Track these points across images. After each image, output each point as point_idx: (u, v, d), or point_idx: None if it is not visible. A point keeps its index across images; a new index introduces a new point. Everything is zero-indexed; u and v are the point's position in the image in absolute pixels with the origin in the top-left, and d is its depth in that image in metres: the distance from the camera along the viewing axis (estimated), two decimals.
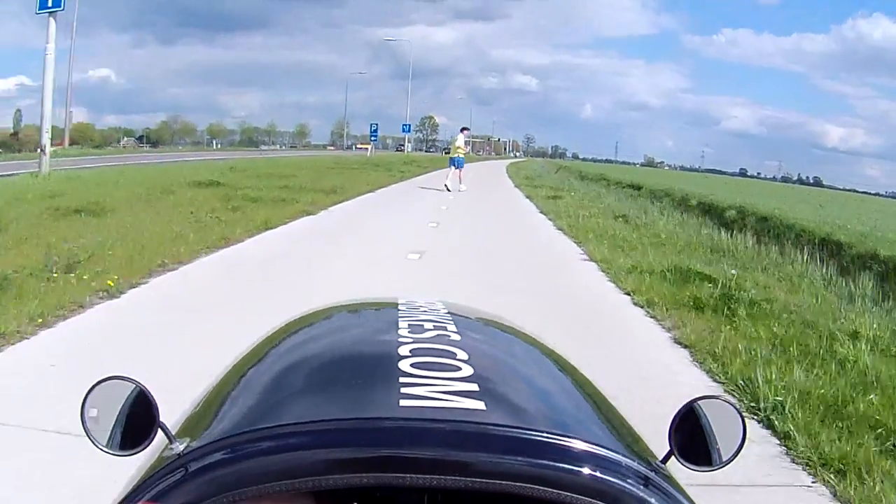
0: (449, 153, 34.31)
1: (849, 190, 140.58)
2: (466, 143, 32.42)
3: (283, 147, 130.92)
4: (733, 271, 11.02)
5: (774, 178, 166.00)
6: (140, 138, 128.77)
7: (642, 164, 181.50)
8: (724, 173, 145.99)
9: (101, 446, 1.29)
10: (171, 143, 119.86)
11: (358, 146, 75.61)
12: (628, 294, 9.77)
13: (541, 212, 21.65)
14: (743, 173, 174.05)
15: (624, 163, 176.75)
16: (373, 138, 71.44)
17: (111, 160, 38.98)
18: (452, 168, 29.30)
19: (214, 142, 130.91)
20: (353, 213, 18.51)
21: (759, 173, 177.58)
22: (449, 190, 27.23)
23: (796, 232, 16.79)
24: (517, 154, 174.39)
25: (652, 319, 8.61)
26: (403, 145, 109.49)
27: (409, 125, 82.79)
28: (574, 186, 35.13)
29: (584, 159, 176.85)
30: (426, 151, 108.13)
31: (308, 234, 14.40)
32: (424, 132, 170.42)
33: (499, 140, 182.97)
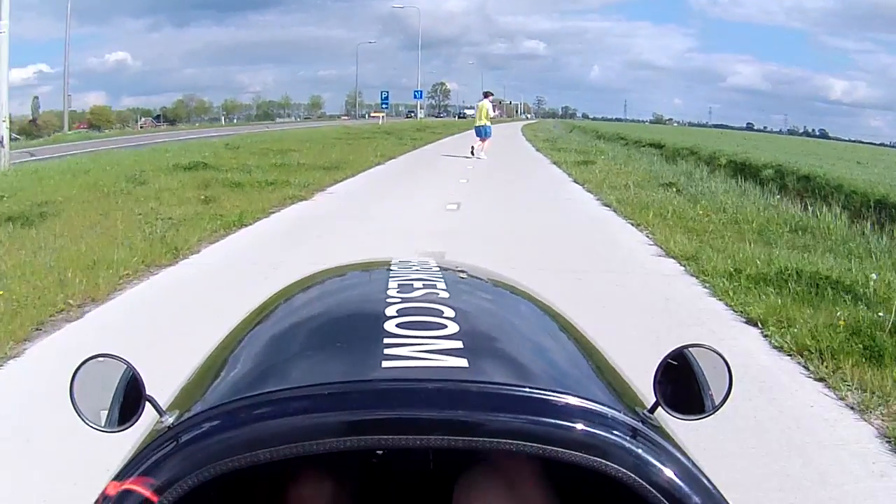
0: (463, 117, 30.71)
1: (854, 141, 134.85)
2: (494, 108, 28.81)
3: (298, 119, 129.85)
4: (874, 275, 7.31)
5: (781, 132, 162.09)
6: (157, 118, 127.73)
7: (651, 122, 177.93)
8: (731, 128, 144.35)
9: (92, 424, 1.23)
10: (187, 121, 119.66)
11: (371, 115, 71.91)
12: (779, 348, 5.64)
13: (576, 181, 18.00)
14: (750, 127, 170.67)
15: (633, 121, 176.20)
16: (384, 106, 67.79)
17: (111, 143, 35.28)
18: (479, 139, 25.73)
19: (232, 117, 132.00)
20: (354, 195, 14.84)
21: (765, 127, 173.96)
22: (473, 154, 24.57)
23: (846, 193, 14.46)
24: (528, 116, 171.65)
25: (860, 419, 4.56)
26: (414, 112, 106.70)
27: (421, 91, 78.74)
28: (601, 148, 31.23)
29: (594, 118, 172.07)
30: (437, 117, 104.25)
31: (290, 230, 10.86)
32: (437, 98, 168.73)
33: (510, 103, 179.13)
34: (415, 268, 1.89)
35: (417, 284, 1.69)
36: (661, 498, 1.12)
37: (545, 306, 1.86)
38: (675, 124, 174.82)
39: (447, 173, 19.40)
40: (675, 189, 15.93)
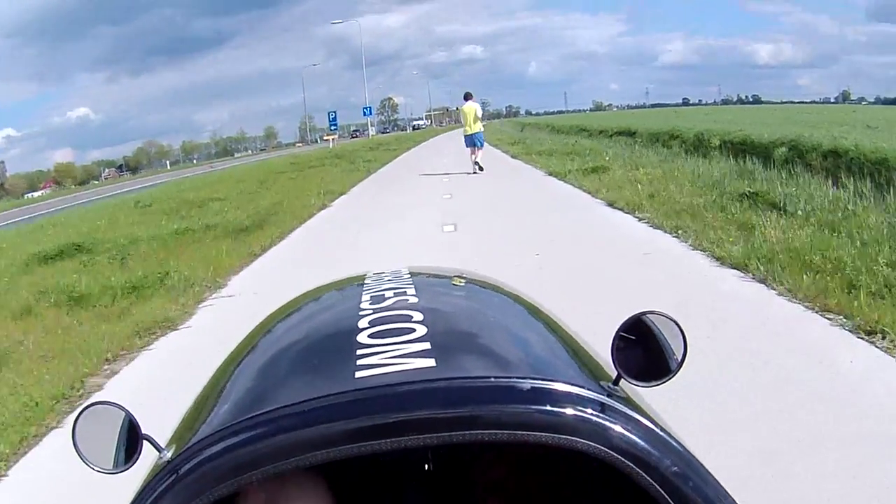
0: (417, 129, 24.37)
1: (786, 102, 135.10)
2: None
3: (254, 152, 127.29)
4: None
5: (716, 102, 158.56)
6: (120, 167, 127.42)
7: (591, 110, 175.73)
8: (667, 105, 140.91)
9: (92, 466, 1.20)
10: (149, 167, 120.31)
11: (324, 138, 64.82)
12: None
13: (612, 205, 11.29)
14: (686, 102, 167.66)
15: (575, 111, 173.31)
16: (333, 127, 60.02)
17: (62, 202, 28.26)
18: (472, 149, 20.17)
19: (191, 158, 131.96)
20: (264, 298, 6.17)
21: (700, 100, 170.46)
22: (482, 169, 19.36)
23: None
24: None
25: None
26: (359, 130, 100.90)
27: (371, 108, 70.93)
28: (584, 146, 24.71)
29: (536, 114, 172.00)
30: (384, 132, 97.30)
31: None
32: (386, 113, 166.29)
33: (457, 109, 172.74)
34: (387, 278, 1.81)
35: (388, 294, 1.64)
36: (634, 466, 1.09)
37: (511, 294, 1.82)
38: (615, 108, 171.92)
39: (419, 212, 12.77)
40: (765, 202, 9.57)
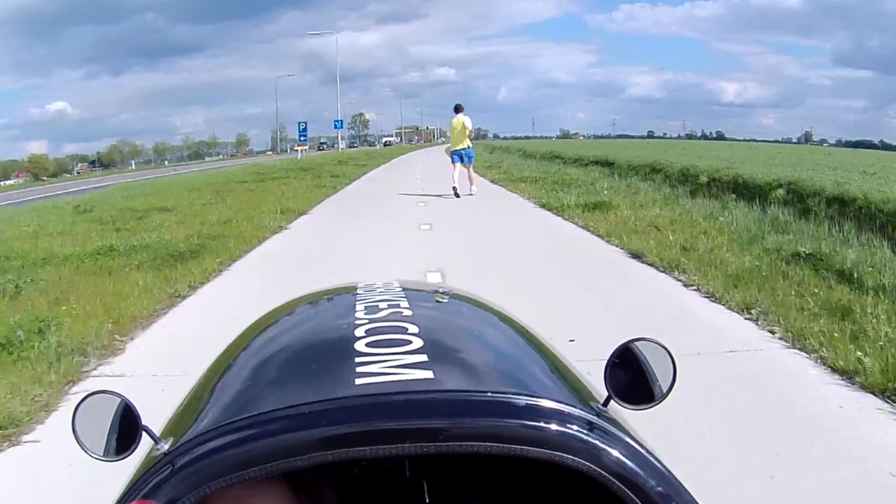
0: (388, 145, 22.21)
1: (749, 140, 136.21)
2: (413, 136, 20.52)
3: (225, 157, 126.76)
4: None
5: (679, 137, 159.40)
6: (93, 163, 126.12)
7: (558, 137, 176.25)
8: (633, 137, 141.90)
9: (93, 454, 1.20)
10: (121, 165, 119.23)
11: (294, 148, 62.10)
12: None
13: (640, 257, 8.83)
14: (651, 135, 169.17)
15: (541, 137, 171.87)
16: (302, 138, 57.28)
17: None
18: (458, 165, 18.26)
19: (163, 159, 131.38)
20: (154, 399, 3.52)
21: (664, 133, 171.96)
22: (458, 196, 17.27)
23: None
24: (444, 140, 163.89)
25: None
26: (327, 143, 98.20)
27: (342, 121, 68.52)
28: (570, 175, 22.48)
29: (504, 137, 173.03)
30: (352, 146, 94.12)
31: None
32: (356, 129, 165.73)
33: (427, 128, 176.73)
34: (379, 290, 1.82)
35: (382, 305, 1.64)
36: (619, 484, 1.10)
37: (501, 314, 1.81)
38: (582, 137, 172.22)
39: (392, 247, 10.28)
40: (828, 268, 7.34)
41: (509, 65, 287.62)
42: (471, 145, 18.42)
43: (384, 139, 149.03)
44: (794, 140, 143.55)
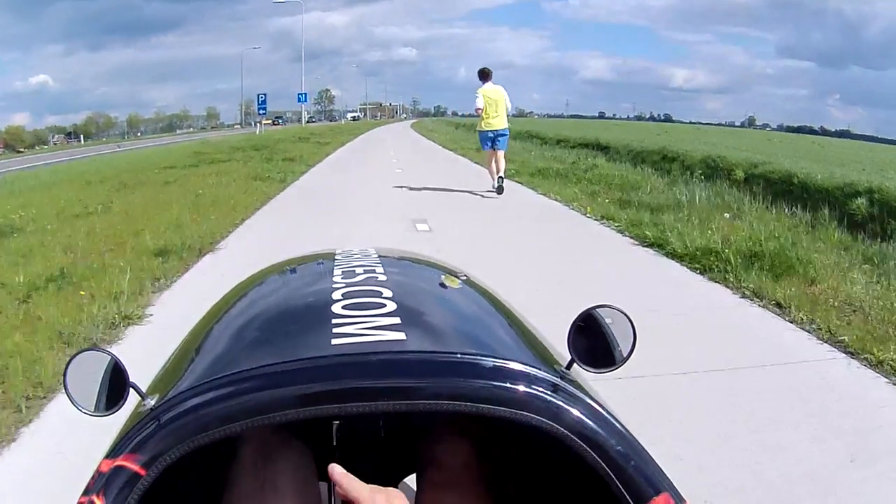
0: (357, 119, 19.09)
1: (694, 123, 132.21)
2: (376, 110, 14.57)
3: (195, 130, 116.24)
4: None
5: (629, 118, 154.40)
6: (69, 134, 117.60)
7: (514, 115, 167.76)
8: (584, 117, 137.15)
9: (83, 410, 1.14)
10: (96, 137, 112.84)
11: (262, 122, 53.22)
12: None
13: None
14: (602, 115, 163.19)
15: None
16: (261, 112, 48.84)
17: None
18: (490, 150, 12.08)
19: (136, 131, 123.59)
20: None
21: (615, 115, 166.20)
22: (502, 191, 11.71)
23: None
24: (405, 116, 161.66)
25: None
26: (281, 118, 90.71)
27: (305, 94, 59.57)
28: (600, 168, 15.58)
29: (462, 115, 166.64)
30: (310, 122, 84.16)
31: None
32: (322, 104, 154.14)
33: (390, 104, 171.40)
34: (356, 256, 1.74)
35: (359, 270, 1.57)
36: (580, 442, 1.08)
37: (470, 281, 1.71)
38: (536, 116, 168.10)
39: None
40: None
41: (467, 47, 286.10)
42: (508, 126, 12.01)
43: (349, 114, 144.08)
44: (737, 124, 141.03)
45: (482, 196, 11.61)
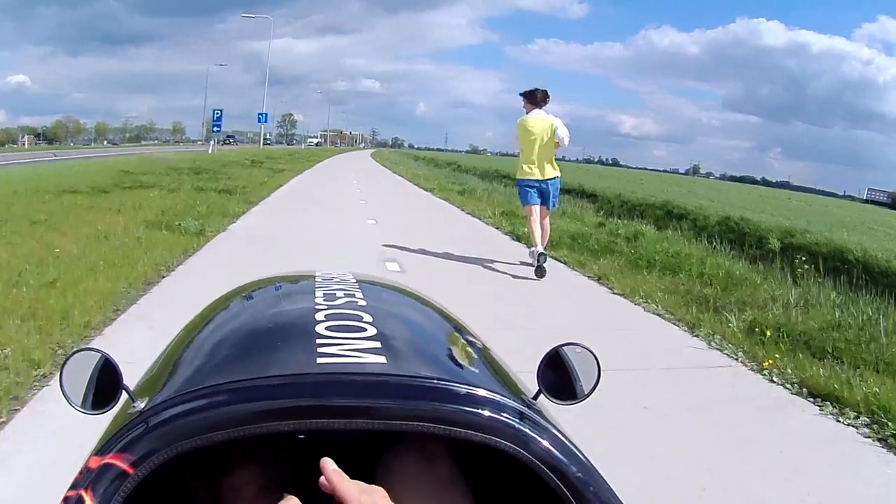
0: (320, 145, 16.04)
1: (641, 168, 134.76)
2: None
3: (160, 143, 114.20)
4: None
5: (578, 160, 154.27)
6: (38, 136, 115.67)
7: (467, 151, 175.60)
8: None
9: (77, 407, 1.13)
10: (65, 141, 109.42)
11: (215, 141, 46.90)
12: None
13: None
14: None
15: (452, 150, 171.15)
16: (216, 129, 42.80)
17: None
18: (536, 208, 7.54)
19: (102, 139, 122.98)
20: None
21: (564, 157, 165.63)
22: (543, 274, 7.18)
23: None
24: (363, 145, 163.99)
25: None
26: (233, 137, 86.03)
27: (266, 114, 53.38)
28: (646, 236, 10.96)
29: (418, 148, 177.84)
30: (267, 144, 76.99)
31: None
32: (285, 127, 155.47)
33: (350, 133, 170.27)
34: (335, 279, 1.72)
35: (339, 294, 1.56)
36: (544, 468, 1.07)
37: (442, 311, 1.71)
38: (489, 154, 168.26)
39: None
40: None
41: (429, 83, 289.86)
42: (558, 175, 7.75)
43: (310, 140, 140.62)
44: (681, 171, 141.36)
45: (512, 276, 6.89)
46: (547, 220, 7.80)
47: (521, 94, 7.71)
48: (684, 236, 11.57)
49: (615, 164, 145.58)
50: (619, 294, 6.65)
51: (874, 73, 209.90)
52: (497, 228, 11.33)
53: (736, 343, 5.25)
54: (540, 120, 7.43)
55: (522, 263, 7.67)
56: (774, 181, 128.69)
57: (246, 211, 11.77)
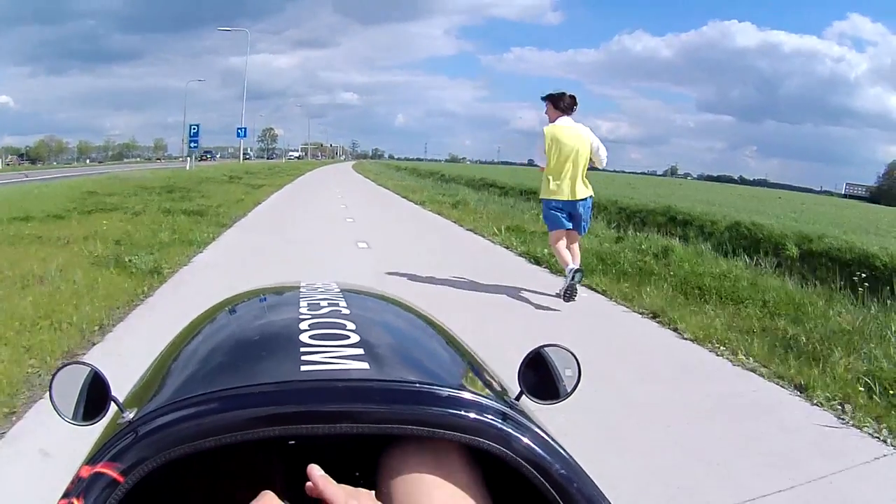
0: (302, 158, 14.73)
1: (618, 171, 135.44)
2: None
3: (142, 160, 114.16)
4: None
5: None
6: (21, 156, 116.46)
7: (447, 160, 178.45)
8: (514, 164, 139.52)
9: (66, 419, 1.12)
10: (48, 161, 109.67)
11: (192, 157, 44.62)
12: None
13: None
14: (531, 163, 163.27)
15: (431, 160, 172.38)
16: (193, 144, 40.90)
17: None
18: (559, 232, 6.32)
19: (84, 158, 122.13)
20: None
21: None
22: (573, 297, 6.03)
23: None
24: (344, 157, 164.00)
25: None
26: (210, 153, 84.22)
27: (245, 129, 51.34)
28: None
29: (398, 158, 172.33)
30: (246, 158, 74.60)
31: None
32: (265, 142, 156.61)
33: (330, 146, 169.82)
34: (320, 289, 1.71)
35: (323, 303, 1.55)
36: (528, 466, 1.07)
37: (426, 317, 1.70)
38: (469, 162, 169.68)
39: None
40: None
41: (406, 94, 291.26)
42: (591, 195, 6.36)
43: (290, 153, 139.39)
44: (659, 173, 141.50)
45: (536, 306, 5.48)
46: (576, 247, 6.43)
47: (543, 98, 6.45)
48: (714, 251, 10.12)
49: (592, 168, 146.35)
50: (689, 339, 5.13)
51: (845, 70, 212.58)
52: (508, 248, 9.79)
53: (873, 415, 3.77)
54: (573, 131, 6.20)
55: (558, 295, 6.18)
56: (752, 179, 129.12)
57: (216, 237, 10.08)
